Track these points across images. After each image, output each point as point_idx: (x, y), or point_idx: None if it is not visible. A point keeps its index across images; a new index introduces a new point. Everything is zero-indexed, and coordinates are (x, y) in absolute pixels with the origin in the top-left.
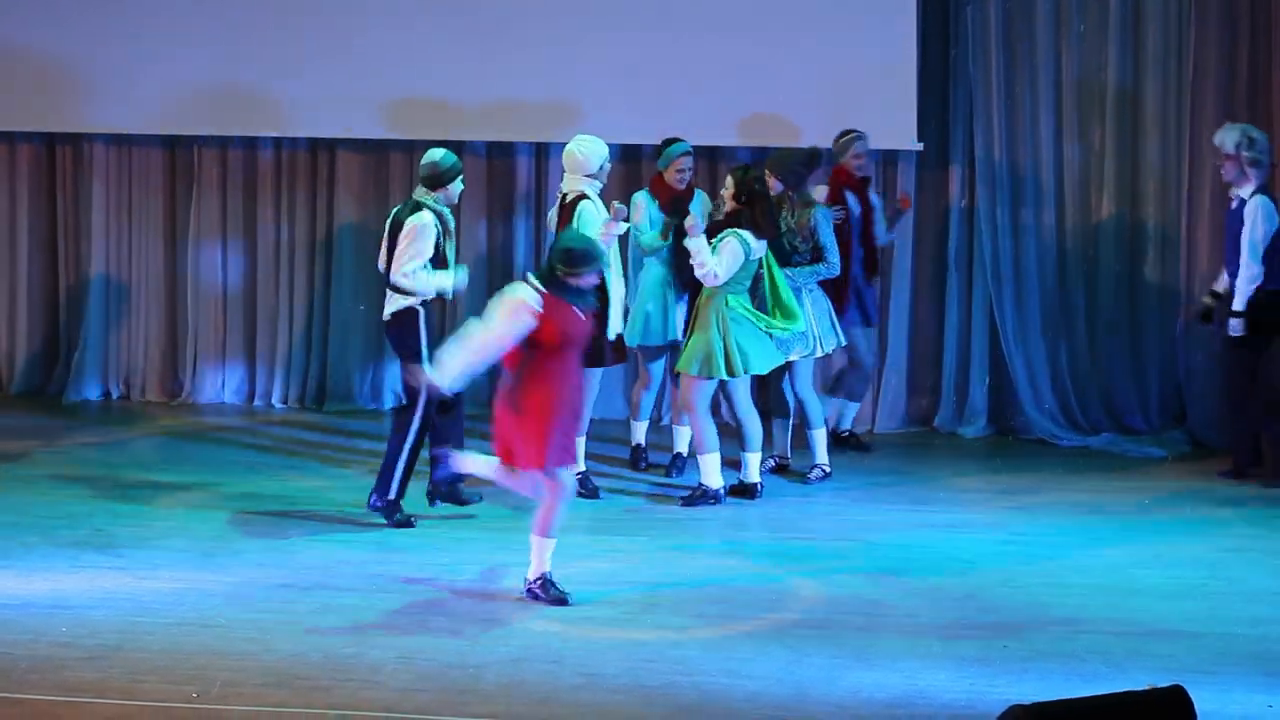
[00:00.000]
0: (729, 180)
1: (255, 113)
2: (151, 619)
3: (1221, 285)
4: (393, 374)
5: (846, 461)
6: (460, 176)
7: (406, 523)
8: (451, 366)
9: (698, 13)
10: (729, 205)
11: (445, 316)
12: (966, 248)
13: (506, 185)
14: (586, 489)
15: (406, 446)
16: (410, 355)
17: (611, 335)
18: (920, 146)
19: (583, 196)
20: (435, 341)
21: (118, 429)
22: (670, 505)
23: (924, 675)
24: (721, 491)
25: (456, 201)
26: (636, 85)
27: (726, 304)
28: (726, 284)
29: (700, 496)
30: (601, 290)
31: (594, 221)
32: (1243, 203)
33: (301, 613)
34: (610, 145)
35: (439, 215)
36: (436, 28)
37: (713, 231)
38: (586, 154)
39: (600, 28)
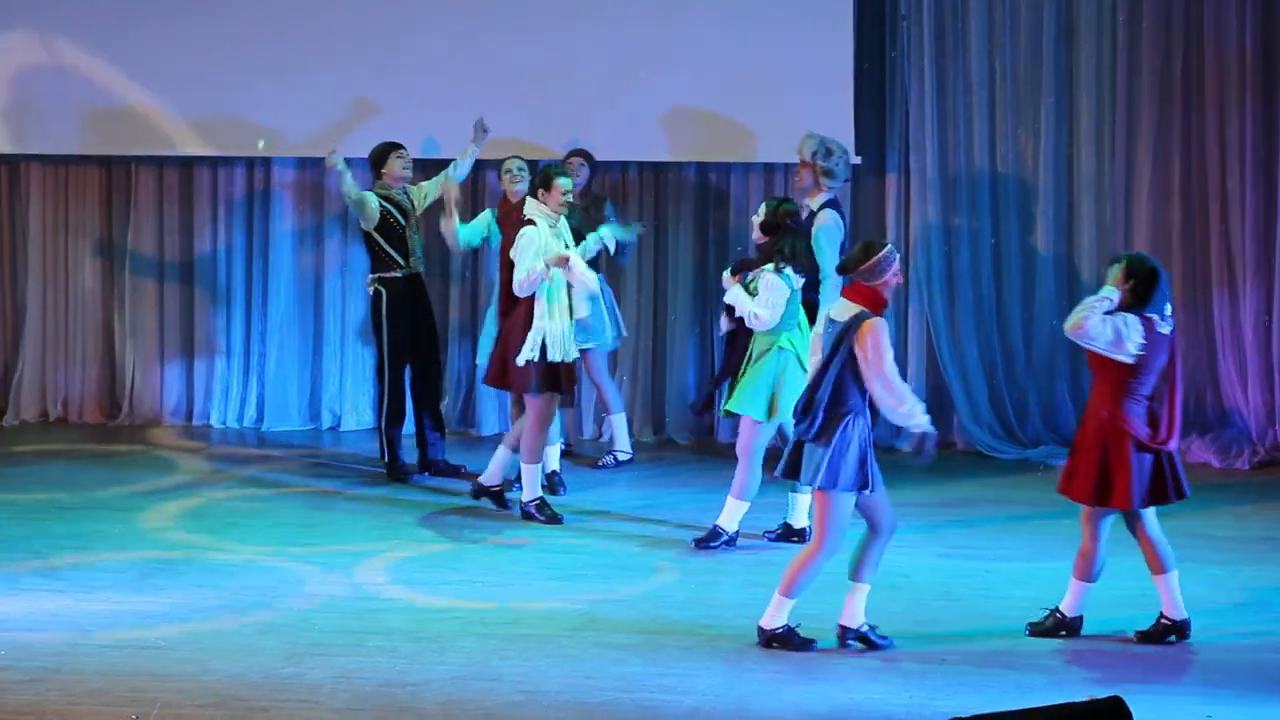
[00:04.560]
0: (761, 210)
1: (190, 132)
2: (90, 641)
3: None
4: (330, 392)
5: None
6: (393, 154)
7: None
8: None
9: (632, 29)
10: (757, 236)
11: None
12: (903, 260)
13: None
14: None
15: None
16: (371, 329)
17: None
18: (859, 160)
19: (530, 221)
20: (403, 328)
21: (56, 450)
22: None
23: (865, 689)
24: (735, 536)
25: (404, 177)
26: (564, 99)
27: (785, 344)
28: (780, 322)
29: (712, 538)
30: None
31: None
32: (812, 213)
33: (240, 634)
34: (531, 161)
35: (384, 197)
36: (370, 44)
37: (747, 268)
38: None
39: (526, 38)
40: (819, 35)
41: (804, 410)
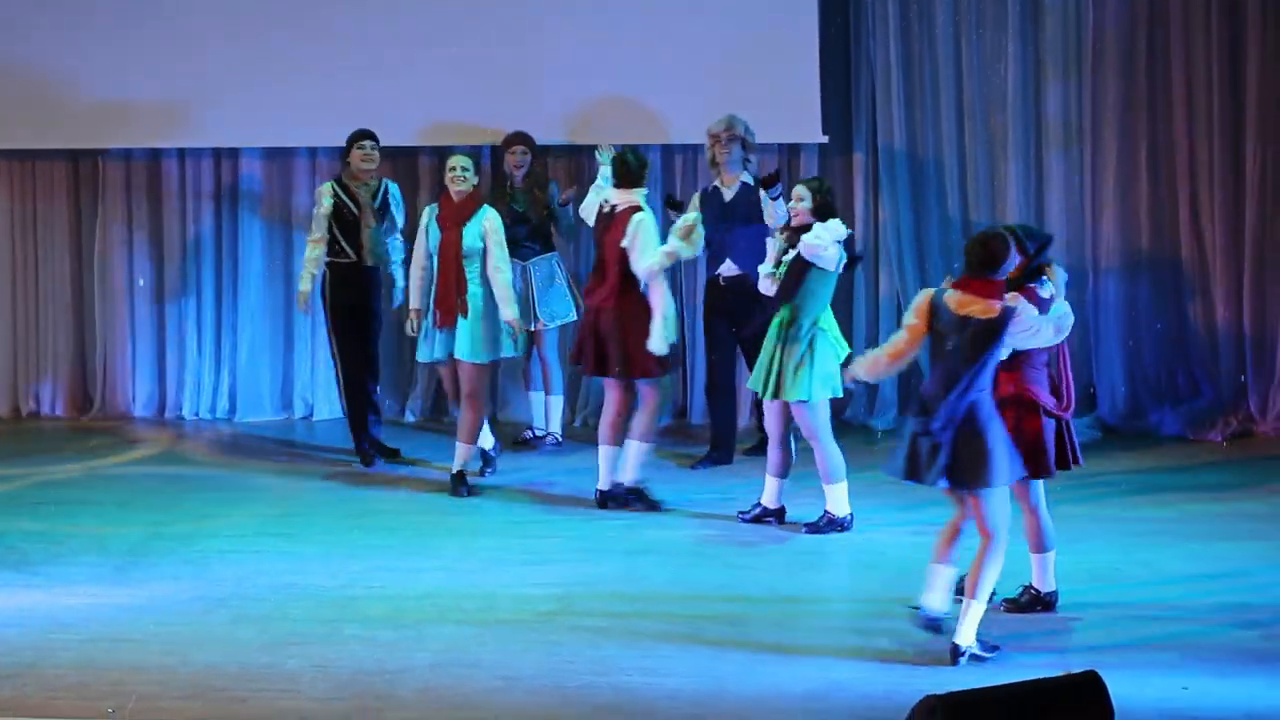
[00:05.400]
0: (803, 192)
1: (158, 124)
2: (66, 635)
3: (728, 271)
4: (302, 382)
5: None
6: (354, 146)
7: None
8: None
9: (594, 8)
10: (800, 220)
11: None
12: (872, 239)
13: (412, 183)
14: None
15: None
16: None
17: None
18: (825, 139)
19: (638, 208)
20: (340, 306)
21: (28, 446)
22: (588, 508)
23: (841, 668)
24: (849, 520)
25: (365, 169)
26: (522, 84)
27: (817, 323)
28: (815, 303)
29: (828, 524)
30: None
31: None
32: (747, 188)
33: (216, 624)
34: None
35: (343, 188)
36: (337, 33)
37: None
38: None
39: (498, 21)
40: (783, 14)
41: (930, 405)
